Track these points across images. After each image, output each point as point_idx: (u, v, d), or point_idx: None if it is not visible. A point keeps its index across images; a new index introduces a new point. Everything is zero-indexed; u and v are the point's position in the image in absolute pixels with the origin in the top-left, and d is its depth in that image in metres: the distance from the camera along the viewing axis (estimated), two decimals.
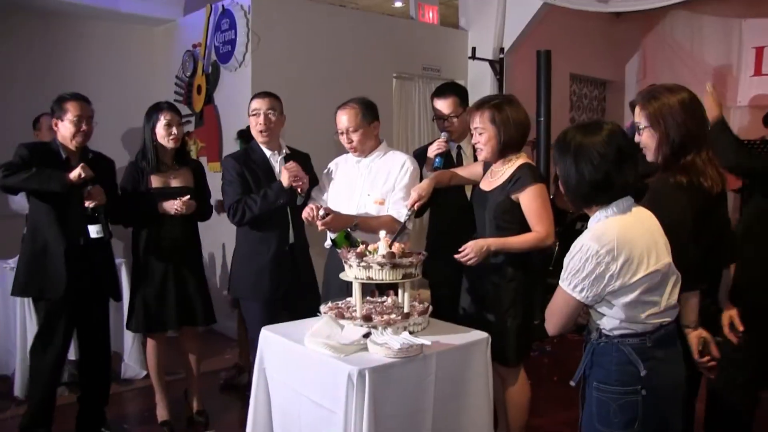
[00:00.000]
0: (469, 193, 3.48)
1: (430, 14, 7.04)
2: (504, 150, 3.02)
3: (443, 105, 3.67)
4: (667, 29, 8.65)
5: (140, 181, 3.72)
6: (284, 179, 3.40)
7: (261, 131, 3.59)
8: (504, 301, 3.05)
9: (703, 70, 8.36)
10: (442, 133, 3.65)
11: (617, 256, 1.98)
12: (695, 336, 2.39)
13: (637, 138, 2.51)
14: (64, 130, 3.50)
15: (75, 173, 3.30)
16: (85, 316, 3.65)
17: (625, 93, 8.97)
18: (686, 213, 2.34)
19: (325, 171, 3.62)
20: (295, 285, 3.57)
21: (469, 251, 2.88)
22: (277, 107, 3.65)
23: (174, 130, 3.68)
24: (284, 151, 3.69)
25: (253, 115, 3.60)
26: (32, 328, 4.20)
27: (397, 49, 6.49)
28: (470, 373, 2.66)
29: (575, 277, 2.02)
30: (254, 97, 3.70)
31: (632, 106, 2.55)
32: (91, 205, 3.40)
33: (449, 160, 3.65)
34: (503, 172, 3.05)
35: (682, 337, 2.30)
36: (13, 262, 4.47)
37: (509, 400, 3.21)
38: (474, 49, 6.85)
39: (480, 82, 6.99)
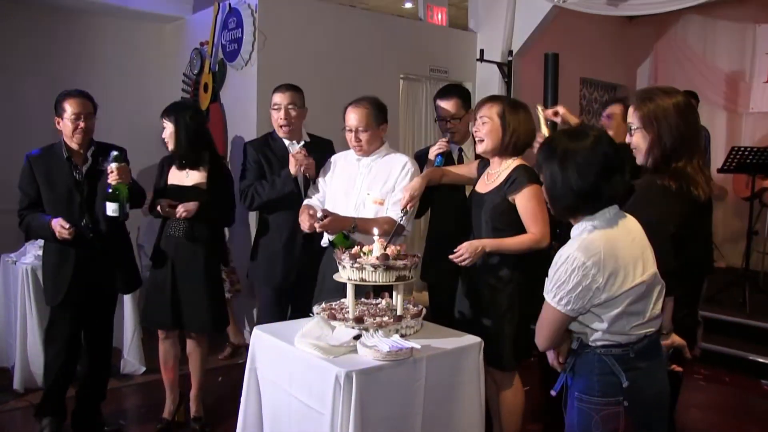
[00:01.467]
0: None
1: (439, 15, 7.01)
2: (506, 148, 3.02)
3: (447, 106, 3.68)
4: (680, 34, 8.60)
5: (162, 174, 3.79)
6: (292, 167, 3.47)
7: (281, 126, 3.71)
8: (501, 305, 3.03)
9: (715, 75, 8.31)
10: (445, 134, 3.66)
11: (603, 268, 1.94)
12: (666, 343, 2.35)
13: (628, 139, 2.48)
14: (64, 127, 3.51)
15: (57, 228, 3.38)
16: (90, 313, 3.66)
17: None
18: (670, 217, 2.31)
19: (324, 167, 3.60)
20: (308, 273, 3.58)
21: (464, 252, 2.87)
22: (298, 101, 3.72)
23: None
24: (303, 140, 3.71)
25: (275, 109, 3.70)
26: (32, 322, 4.25)
27: (405, 50, 6.46)
28: (462, 378, 2.64)
29: (560, 290, 1.98)
30: (276, 90, 3.77)
31: (625, 107, 2.52)
32: (114, 182, 3.37)
33: (450, 161, 3.64)
34: (499, 174, 3.04)
35: None
36: (15, 256, 4.52)
37: (503, 405, 3.19)
38: (482, 51, 6.83)
39: (488, 85, 6.95)
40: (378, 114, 3.35)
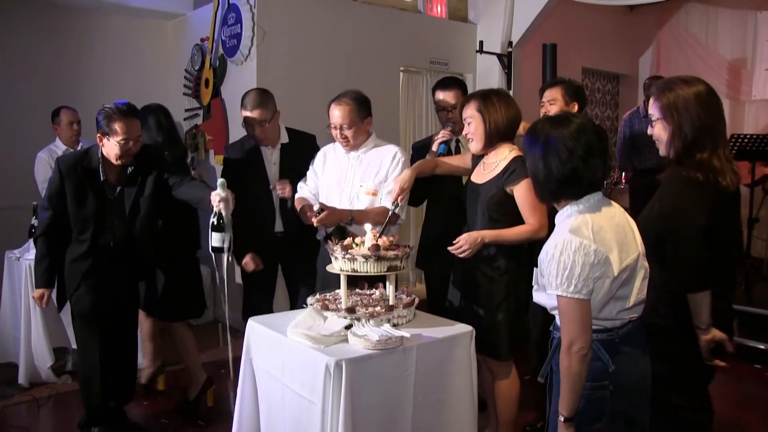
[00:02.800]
0: None
1: (439, 8, 7.02)
2: (491, 138, 3.02)
3: (448, 96, 3.72)
4: (682, 22, 8.58)
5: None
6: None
7: (260, 140, 3.77)
8: (496, 295, 3.04)
9: (717, 63, 8.30)
10: (447, 124, 3.68)
11: (597, 250, 1.97)
12: (707, 338, 2.33)
13: (649, 130, 2.45)
14: (110, 148, 3.29)
15: (37, 294, 3.42)
16: (114, 325, 3.58)
17: (639, 87, 8.87)
18: (698, 208, 2.27)
19: (313, 161, 3.63)
20: (293, 270, 3.62)
21: (463, 243, 2.90)
22: (268, 116, 3.70)
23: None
24: (281, 141, 3.78)
25: (246, 124, 3.73)
26: (37, 318, 4.31)
27: (405, 43, 6.48)
28: (453, 367, 2.67)
29: (572, 277, 1.95)
30: (242, 107, 3.74)
31: (647, 97, 2.49)
32: (220, 211, 3.05)
33: (449, 150, 3.67)
34: (496, 164, 3.04)
35: (649, 332, 2.26)
36: (19, 252, 4.58)
37: (498, 394, 3.21)
38: (482, 42, 6.84)
39: (488, 76, 6.98)
40: (361, 108, 3.36)
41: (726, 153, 2.34)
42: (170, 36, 6.76)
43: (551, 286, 2.00)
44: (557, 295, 2.00)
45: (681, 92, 2.32)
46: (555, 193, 2.11)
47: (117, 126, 3.22)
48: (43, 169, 4.90)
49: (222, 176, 3.57)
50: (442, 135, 3.54)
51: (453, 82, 3.83)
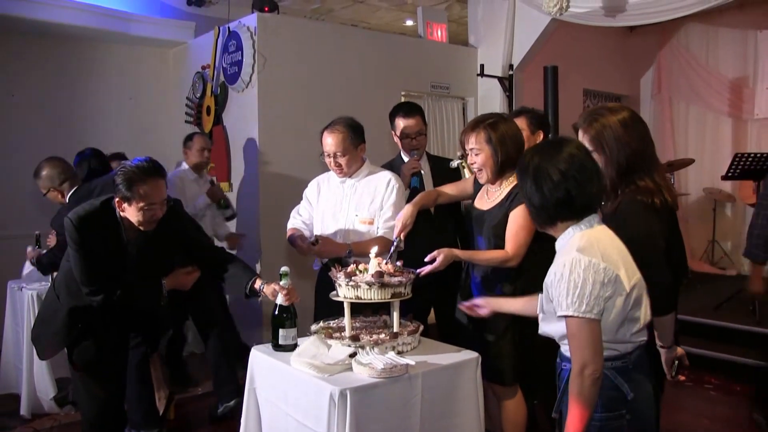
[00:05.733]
0: None
1: (439, 32, 7.05)
2: (503, 168, 3.00)
3: (412, 123, 3.76)
4: (682, 42, 8.60)
5: None
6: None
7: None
8: (502, 321, 3.01)
9: (719, 82, 8.31)
10: (412, 153, 3.74)
11: (606, 268, 1.93)
12: (672, 356, 2.37)
13: None
14: (131, 214, 2.86)
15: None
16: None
17: (641, 107, 8.90)
18: (660, 233, 2.31)
19: (307, 191, 3.61)
20: None
21: (441, 258, 2.85)
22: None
23: None
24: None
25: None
26: None
27: (406, 68, 6.50)
28: (459, 393, 2.63)
29: (584, 296, 1.90)
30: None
31: (575, 129, 2.50)
32: (286, 304, 2.76)
33: (421, 181, 3.73)
34: (501, 191, 3.02)
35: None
36: (20, 282, 4.56)
37: (505, 419, 3.16)
38: (482, 66, 6.86)
39: (489, 99, 7.00)
40: (355, 136, 3.34)
41: (661, 173, 2.39)
42: (171, 64, 6.81)
43: (561, 307, 1.95)
44: (568, 317, 1.94)
45: (606, 121, 2.36)
46: (552, 217, 2.09)
47: (141, 189, 2.78)
48: (173, 193, 4.77)
49: None
50: (413, 166, 3.55)
51: (415, 108, 3.87)
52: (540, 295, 2.15)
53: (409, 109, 3.86)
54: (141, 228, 2.90)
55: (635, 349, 2.06)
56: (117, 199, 2.84)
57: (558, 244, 2.11)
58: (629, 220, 2.29)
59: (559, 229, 2.09)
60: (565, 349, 2.10)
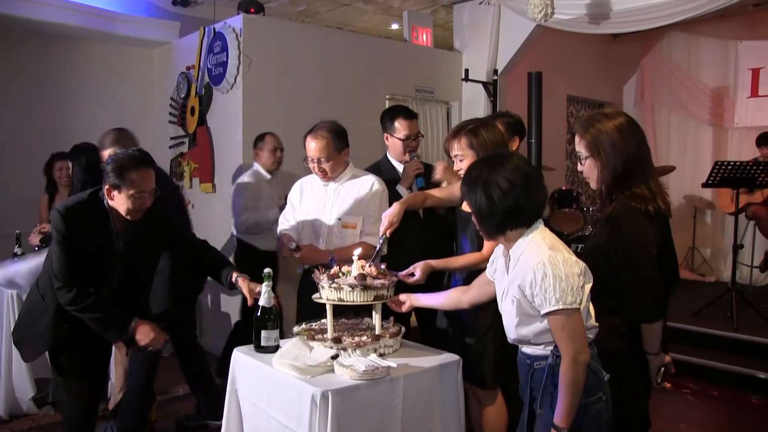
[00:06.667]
0: None
1: (424, 36, 7.08)
2: None
3: (413, 125, 3.79)
4: (665, 50, 8.69)
5: None
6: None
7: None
8: (483, 324, 3.03)
9: (700, 91, 8.41)
10: (413, 155, 3.76)
11: (577, 261, 2.06)
12: (660, 362, 2.40)
13: (579, 168, 2.49)
14: (120, 203, 2.85)
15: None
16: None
17: None
18: (652, 240, 2.32)
19: (290, 194, 3.61)
20: None
21: (419, 273, 2.88)
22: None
23: None
24: None
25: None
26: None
27: (391, 71, 6.52)
28: (440, 396, 2.65)
29: (569, 288, 2.00)
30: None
31: (572, 134, 2.52)
32: (268, 306, 2.75)
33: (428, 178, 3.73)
34: None
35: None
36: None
37: (486, 423, 3.17)
38: (467, 70, 6.90)
39: (473, 104, 7.03)
40: (338, 140, 3.34)
41: (657, 180, 2.41)
42: (156, 64, 6.78)
43: (550, 303, 2.01)
44: (557, 311, 2.01)
45: (602, 127, 2.36)
46: (500, 225, 2.16)
47: (132, 176, 2.80)
48: (247, 195, 4.82)
49: None
50: (417, 167, 3.55)
51: (412, 111, 3.90)
52: (506, 301, 2.21)
53: (409, 111, 3.89)
54: (128, 217, 2.89)
55: (594, 335, 2.17)
56: (107, 187, 2.84)
57: (515, 251, 2.17)
58: (623, 227, 2.31)
59: (509, 237, 2.16)
60: (536, 348, 2.19)
